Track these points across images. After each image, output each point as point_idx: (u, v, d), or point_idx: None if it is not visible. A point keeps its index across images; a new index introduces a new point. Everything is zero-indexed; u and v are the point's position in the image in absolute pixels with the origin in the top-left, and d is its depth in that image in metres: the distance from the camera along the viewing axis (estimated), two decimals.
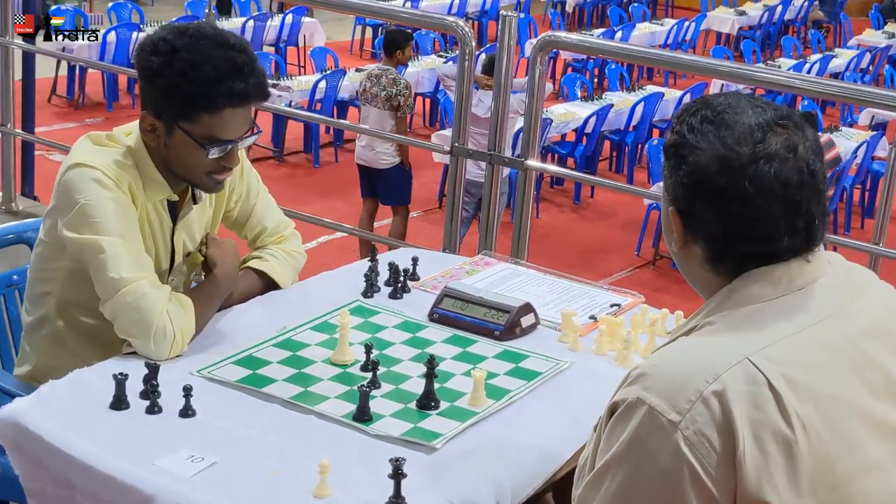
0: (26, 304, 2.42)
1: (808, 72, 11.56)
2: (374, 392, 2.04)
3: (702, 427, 1.38)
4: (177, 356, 2.16)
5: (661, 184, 1.65)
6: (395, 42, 7.37)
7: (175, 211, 2.39)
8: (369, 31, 14.31)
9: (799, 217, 1.50)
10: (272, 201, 2.63)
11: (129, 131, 2.35)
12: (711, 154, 1.49)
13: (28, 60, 5.99)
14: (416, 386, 2.08)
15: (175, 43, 2.19)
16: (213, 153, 2.23)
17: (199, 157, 2.24)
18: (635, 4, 16.15)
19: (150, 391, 1.96)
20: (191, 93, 2.18)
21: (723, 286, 1.54)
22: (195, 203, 2.42)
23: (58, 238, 2.26)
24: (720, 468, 1.37)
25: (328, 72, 9.98)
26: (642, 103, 9.70)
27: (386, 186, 7.24)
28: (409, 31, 7.83)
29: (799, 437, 1.39)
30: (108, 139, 2.33)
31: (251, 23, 11.64)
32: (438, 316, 2.40)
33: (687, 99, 10.03)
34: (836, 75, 12.14)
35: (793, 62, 12.46)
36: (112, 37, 10.10)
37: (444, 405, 2.03)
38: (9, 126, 5.13)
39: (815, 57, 12.91)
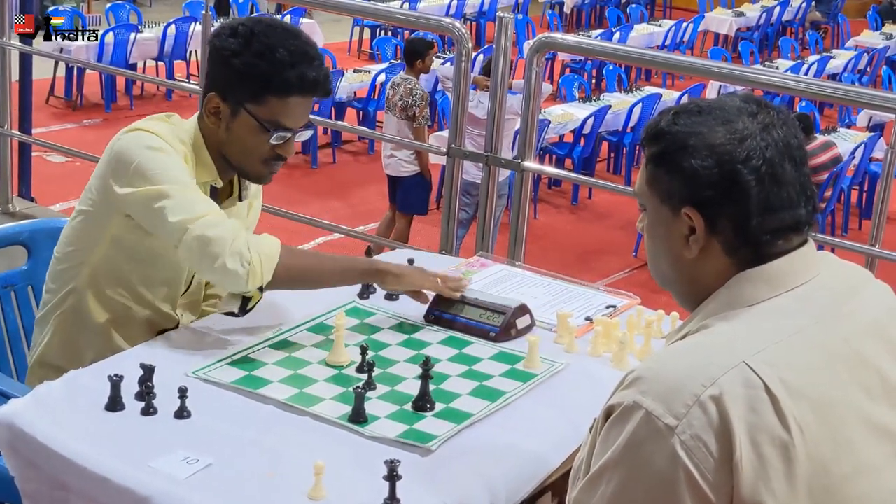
0: (48, 284, 2.43)
1: (806, 73, 11.57)
2: (369, 394, 2.04)
3: (698, 432, 1.37)
4: (259, 289, 2.18)
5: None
6: (416, 52, 7.37)
7: (216, 201, 2.40)
8: (367, 33, 14.32)
9: (807, 180, 1.52)
10: None
11: (183, 120, 2.41)
12: (719, 133, 1.50)
13: (25, 61, 5.99)
14: (412, 388, 2.07)
15: (254, 28, 2.29)
16: (275, 139, 2.30)
17: (260, 141, 2.30)
18: (633, 5, 16.17)
19: (146, 392, 1.96)
20: (266, 73, 2.25)
21: (722, 285, 1.52)
22: (240, 200, 2.45)
23: (106, 203, 2.29)
24: (717, 473, 1.37)
25: None
26: (640, 104, 9.71)
27: (404, 195, 7.29)
28: (430, 38, 7.78)
29: (796, 441, 1.39)
30: (167, 118, 2.39)
31: None
32: (434, 317, 2.40)
33: (685, 100, 10.03)
34: (833, 76, 12.15)
35: (791, 63, 12.47)
36: (110, 38, 10.10)
37: (439, 407, 2.03)
38: (5, 127, 5.13)
39: (813, 58, 12.92)
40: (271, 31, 2.29)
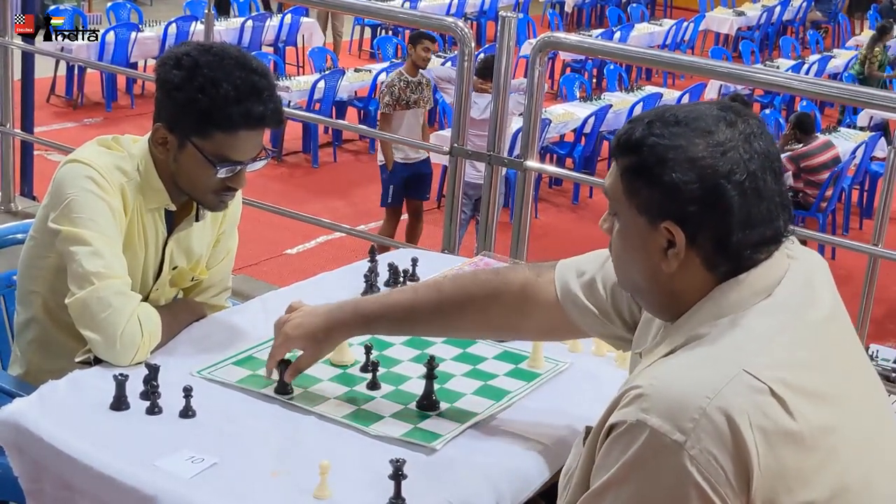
0: (17, 305, 2.42)
1: (807, 72, 11.58)
2: (373, 393, 2.05)
3: (708, 445, 1.34)
4: (137, 364, 2.11)
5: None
6: (410, 41, 7.39)
7: (174, 222, 2.39)
8: (368, 31, 14.32)
9: (784, 191, 1.50)
10: (232, 263, 2.60)
11: (137, 139, 2.36)
12: (700, 146, 1.45)
13: (27, 60, 6.00)
14: (416, 387, 2.08)
15: (199, 59, 2.19)
16: (222, 172, 2.23)
17: (208, 174, 2.24)
18: (634, 5, 16.18)
19: (151, 392, 1.96)
20: (209, 110, 2.17)
21: (703, 296, 1.50)
22: (196, 220, 2.41)
23: (46, 233, 2.25)
24: (728, 485, 1.34)
25: (327, 72, 9.99)
26: (641, 104, 9.72)
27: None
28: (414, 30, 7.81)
29: (807, 437, 1.38)
30: (114, 142, 2.34)
31: (250, 23, 11.64)
32: None
33: (685, 99, 10.05)
34: (834, 76, 12.16)
35: (791, 63, 12.48)
36: (111, 37, 10.11)
37: (443, 406, 2.03)
38: (8, 126, 5.13)
39: (814, 57, 12.94)
40: (218, 62, 2.18)
